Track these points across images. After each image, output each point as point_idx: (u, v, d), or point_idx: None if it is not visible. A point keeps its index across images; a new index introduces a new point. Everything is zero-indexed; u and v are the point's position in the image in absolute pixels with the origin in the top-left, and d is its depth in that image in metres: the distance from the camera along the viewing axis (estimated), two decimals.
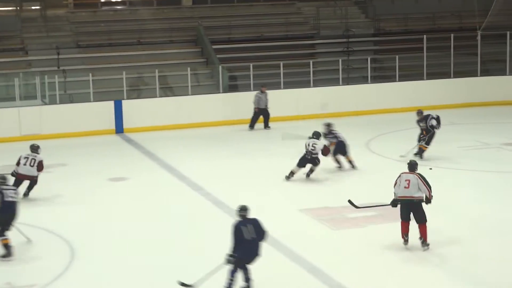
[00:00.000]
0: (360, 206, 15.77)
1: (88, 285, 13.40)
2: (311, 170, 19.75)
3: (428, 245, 14.61)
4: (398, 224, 15.99)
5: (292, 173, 19.71)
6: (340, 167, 20.66)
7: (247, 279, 12.55)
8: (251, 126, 26.71)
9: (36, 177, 18.47)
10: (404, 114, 28.18)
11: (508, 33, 30.44)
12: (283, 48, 31.82)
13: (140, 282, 13.44)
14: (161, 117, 27.05)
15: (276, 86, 28.69)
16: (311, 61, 29.48)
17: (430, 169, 19.56)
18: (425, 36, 30.57)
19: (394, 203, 14.87)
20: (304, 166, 19.67)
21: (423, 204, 14.56)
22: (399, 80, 29.77)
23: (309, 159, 19.55)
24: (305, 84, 29.21)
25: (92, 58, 30.30)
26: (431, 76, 30.20)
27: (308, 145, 19.54)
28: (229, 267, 12.37)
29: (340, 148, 20.55)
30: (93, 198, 18.89)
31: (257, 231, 12.47)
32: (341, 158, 20.65)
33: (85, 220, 16.96)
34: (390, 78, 30.39)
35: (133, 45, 31.19)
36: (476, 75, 30.67)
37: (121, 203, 18.44)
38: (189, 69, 28.01)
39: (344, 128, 26.10)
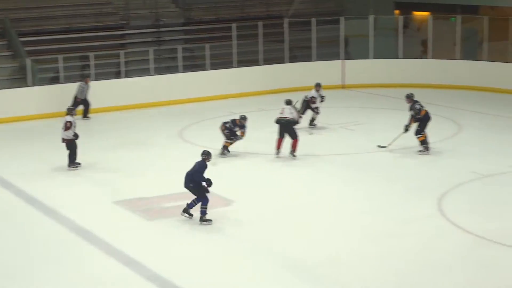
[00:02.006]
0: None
1: None
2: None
3: (295, 156, 20.28)
4: (212, 212, 16.43)
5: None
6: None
7: (200, 211, 15.73)
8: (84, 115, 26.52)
9: (67, 140, 19.78)
10: (215, 102, 28.68)
11: (313, 20, 31.41)
12: (93, 39, 31.47)
13: None
14: None
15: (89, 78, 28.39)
16: (122, 52, 29.36)
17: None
18: (234, 24, 31.08)
19: (277, 121, 20.60)
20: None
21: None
22: (210, 69, 30.15)
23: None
24: (116, 75, 29.09)
25: None
26: (241, 63, 30.73)
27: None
28: None
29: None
30: None
31: (193, 171, 15.77)
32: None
33: None
34: (201, 67, 30.71)
35: None
36: (284, 62, 31.53)
37: None
38: None
39: (156, 117, 26.45)
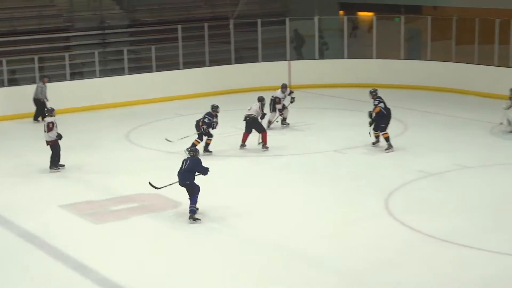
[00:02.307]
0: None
1: None
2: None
3: (267, 147, 21.31)
4: (161, 214, 16.43)
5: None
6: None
7: (190, 209, 15.90)
8: (36, 118, 26.21)
9: (51, 141, 19.62)
10: (162, 104, 28.58)
11: (259, 21, 31.48)
12: (37, 41, 31.14)
13: None
14: None
15: (31, 80, 28.09)
16: (66, 54, 29.09)
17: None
18: (179, 26, 30.98)
19: (244, 119, 21.55)
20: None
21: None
22: (156, 70, 30.01)
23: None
24: (61, 77, 28.80)
25: None
26: (188, 65, 30.66)
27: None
28: None
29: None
30: None
31: (192, 167, 15.93)
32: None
33: None
34: (147, 69, 30.58)
35: None
36: (230, 63, 31.53)
37: None
38: None
39: (103, 120, 26.25)
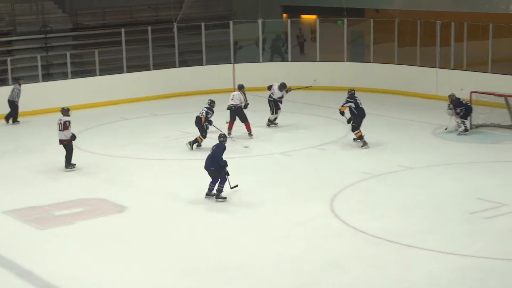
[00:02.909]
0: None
1: None
2: None
3: (252, 135, 22.74)
4: (106, 219, 16.34)
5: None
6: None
7: (217, 189, 17.09)
8: (8, 119, 26.12)
9: (66, 140, 19.85)
10: (106, 108, 28.38)
11: (202, 24, 31.47)
12: None
13: None
14: None
15: None
16: (8, 59, 28.75)
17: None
18: (123, 29, 30.82)
19: (228, 108, 22.73)
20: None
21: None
22: (100, 75, 29.80)
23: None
24: (3, 82, 28.48)
25: None
26: (132, 69, 30.52)
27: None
28: None
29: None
30: None
31: (214, 153, 16.97)
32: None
33: None
34: (91, 73, 30.37)
35: None
36: (174, 66, 31.43)
37: None
38: None
39: (46, 124, 25.92)
